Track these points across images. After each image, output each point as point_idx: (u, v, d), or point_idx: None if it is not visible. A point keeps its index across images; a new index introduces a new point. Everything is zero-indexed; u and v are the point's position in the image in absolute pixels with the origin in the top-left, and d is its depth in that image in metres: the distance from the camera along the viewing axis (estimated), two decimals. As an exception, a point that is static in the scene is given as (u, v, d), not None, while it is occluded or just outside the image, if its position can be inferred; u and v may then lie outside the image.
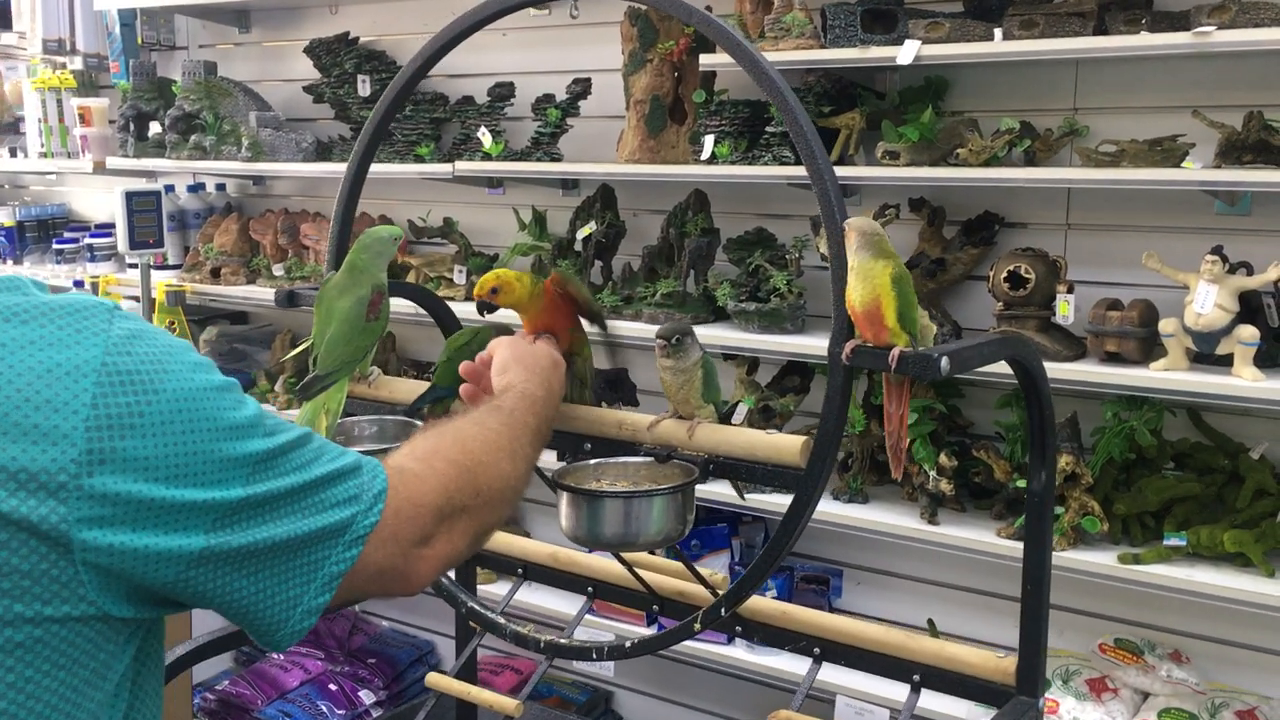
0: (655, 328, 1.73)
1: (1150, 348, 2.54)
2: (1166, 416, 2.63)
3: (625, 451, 1.56)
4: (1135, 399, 2.60)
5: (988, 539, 2.68)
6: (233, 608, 1.01)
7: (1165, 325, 2.48)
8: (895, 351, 1.34)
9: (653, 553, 2.25)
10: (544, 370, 1.50)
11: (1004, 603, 2.95)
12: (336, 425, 1.69)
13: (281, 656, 3.91)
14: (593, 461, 1.49)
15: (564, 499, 1.42)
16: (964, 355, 1.37)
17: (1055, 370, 2.54)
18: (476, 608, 1.77)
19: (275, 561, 1.02)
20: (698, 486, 2.82)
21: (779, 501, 2.83)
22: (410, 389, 1.79)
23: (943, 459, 2.74)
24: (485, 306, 1.69)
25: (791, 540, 1.43)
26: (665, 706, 3.58)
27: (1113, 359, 2.56)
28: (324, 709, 3.69)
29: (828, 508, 2.88)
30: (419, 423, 1.72)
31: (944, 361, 1.32)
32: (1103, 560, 2.57)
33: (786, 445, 1.42)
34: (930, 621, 2.98)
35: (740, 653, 3.01)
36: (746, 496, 2.82)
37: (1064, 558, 2.57)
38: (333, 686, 3.78)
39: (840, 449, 2.99)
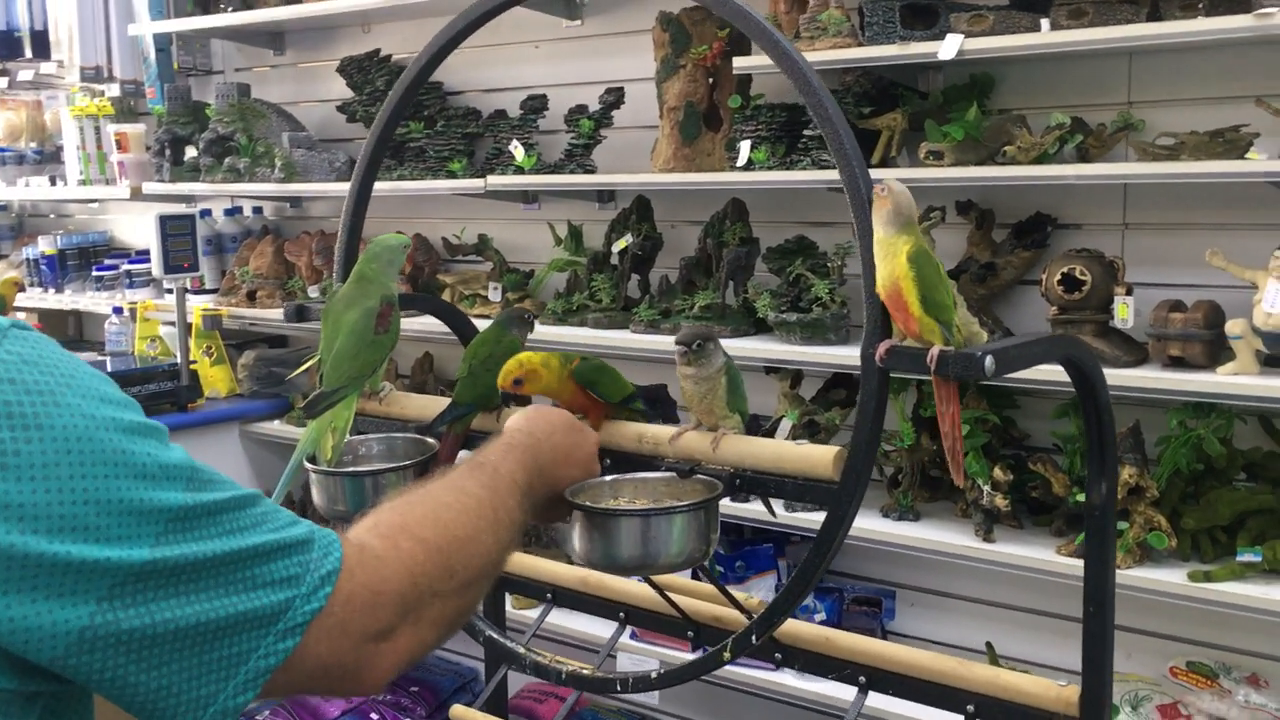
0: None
1: (1217, 351, 2.39)
2: (1236, 424, 2.47)
3: (646, 467, 1.45)
4: (1202, 406, 2.45)
5: (1047, 557, 2.54)
6: (128, 702, 0.84)
7: (1232, 327, 2.33)
8: (934, 351, 1.23)
9: (695, 576, 2.15)
10: (552, 423, 1.35)
11: (1067, 624, 2.80)
12: (343, 444, 1.60)
13: (322, 685, 3.84)
14: (609, 478, 1.38)
15: (576, 519, 1.31)
16: (1011, 355, 1.24)
17: (1115, 377, 2.40)
18: (495, 636, 1.67)
19: (185, 650, 0.84)
20: (741, 505, 2.76)
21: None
22: (423, 405, 1.70)
23: (997, 473, 2.61)
24: (511, 398, 1.53)
25: (825, 560, 1.31)
26: (713, 735, 3.45)
27: (1177, 364, 2.41)
28: (364, 739, 3.60)
29: (878, 526, 2.75)
30: (432, 440, 1.62)
31: (988, 361, 1.20)
32: (1172, 578, 2.41)
33: (818, 457, 1.31)
34: (989, 645, 2.83)
35: (789, 679, 2.87)
36: (794, 514, 2.72)
37: (1130, 576, 2.43)
38: (374, 715, 3.69)
39: (891, 464, 2.87)
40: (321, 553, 0.93)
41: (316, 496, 1.56)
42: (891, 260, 1.25)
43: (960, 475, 1.32)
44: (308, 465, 1.57)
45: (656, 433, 1.44)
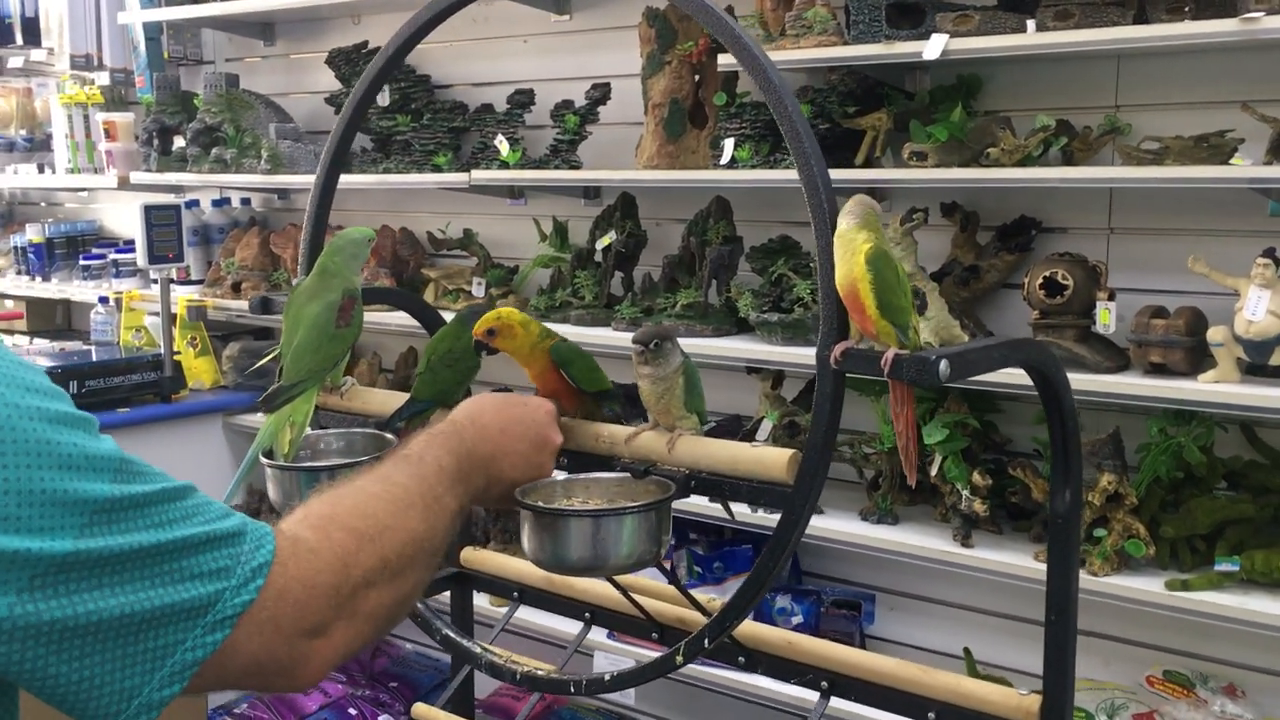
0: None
1: (1198, 358, 2.37)
2: (1217, 432, 2.45)
3: (604, 466, 1.43)
4: (1183, 413, 2.43)
5: (1025, 563, 2.51)
6: (49, 694, 0.82)
7: (1214, 334, 2.31)
8: (889, 354, 1.20)
9: (673, 579, 2.12)
10: (482, 405, 1.33)
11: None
12: (302, 439, 1.58)
13: (302, 680, 3.82)
14: (561, 477, 1.36)
15: (526, 519, 1.29)
16: (968, 359, 1.22)
17: (1096, 383, 2.39)
18: (451, 635, 1.65)
19: (108, 642, 0.83)
20: (720, 506, 2.74)
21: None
22: (385, 400, 1.68)
23: (976, 478, 2.58)
24: (482, 347, 1.54)
25: (779, 564, 1.29)
26: (692, 736, 3.43)
27: (1158, 370, 2.39)
28: (342, 734, 3.59)
29: (856, 529, 2.73)
30: (391, 436, 1.60)
31: (943, 365, 1.18)
32: (1149, 586, 2.39)
33: (772, 460, 1.29)
34: (967, 650, 2.81)
35: (764, 681, 2.85)
36: (774, 515, 2.69)
37: (1108, 584, 2.41)
38: (353, 711, 3.68)
39: (871, 467, 2.85)
40: (253, 545, 0.92)
41: (272, 491, 1.54)
42: (850, 259, 1.24)
43: (914, 475, 1.30)
44: (264, 460, 1.55)
45: (613, 432, 1.42)
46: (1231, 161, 2.33)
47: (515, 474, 1.32)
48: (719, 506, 2.76)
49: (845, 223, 1.26)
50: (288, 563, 0.93)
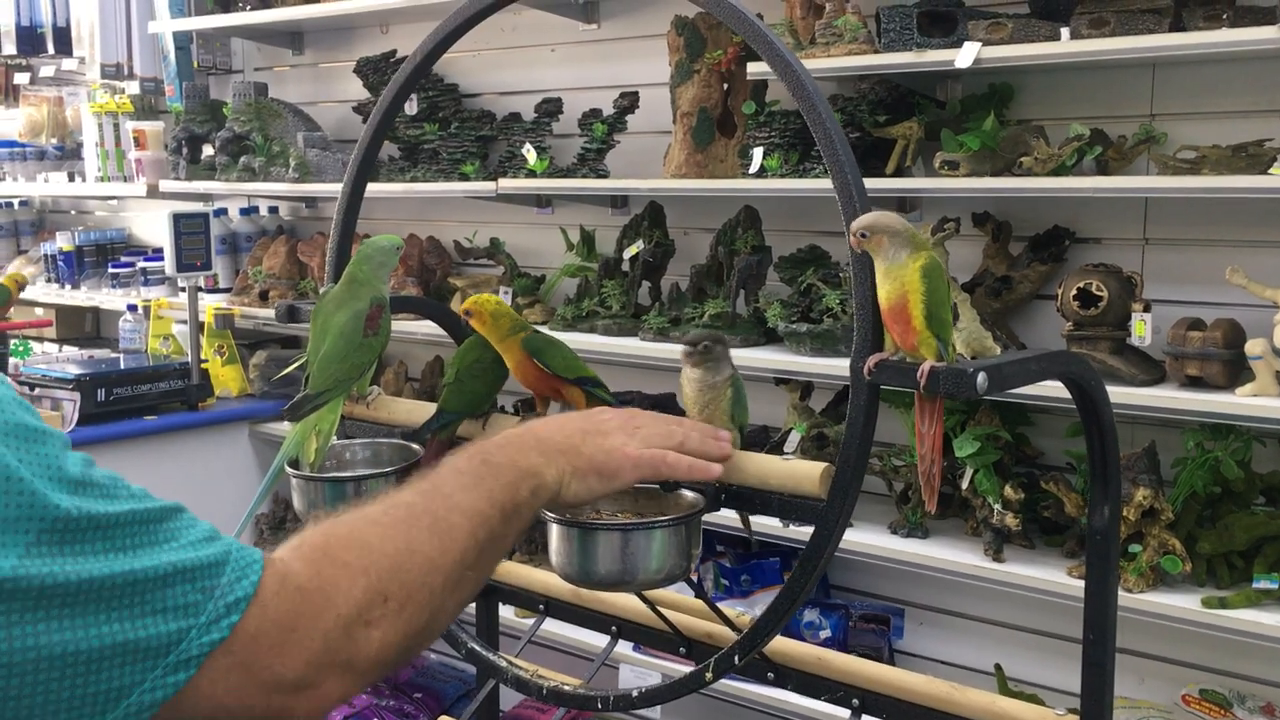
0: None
1: (1236, 371, 2.33)
2: (1255, 447, 2.41)
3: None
4: (1220, 427, 2.38)
5: (1058, 578, 2.48)
6: None
7: (1252, 346, 2.27)
8: (925, 366, 1.18)
9: (700, 592, 2.10)
10: (555, 418, 1.21)
11: (1078, 647, 2.72)
12: (328, 449, 1.56)
13: (326, 689, 3.81)
14: (589, 489, 1.34)
15: (553, 531, 1.27)
16: (1005, 372, 1.19)
17: (1132, 396, 2.35)
18: (477, 649, 1.63)
19: (52, 682, 0.73)
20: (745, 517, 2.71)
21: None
22: (411, 410, 1.66)
23: (1008, 491, 2.55)
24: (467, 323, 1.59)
25: (811, 580, 1.26)
26: (718, 750, 3.40)
27: (1194, 384, 2.35)
28: (366, 745, 3.57)
29: (886, 542, 2.70)
30: (417, 447, 1.59)
31: (981, 378, 1.15)
32: (1185, 604, 2.35)
33: (804, 473, 1.26)
34: (998, 667, 2.77)
35: (793, 696, 2.81)
36: (803, 529, 2.65)
37: (1143, 600, 2.36)
38: (376, 721, 3.66)
39: (901, 479, 2.82)
40: (234, 577, 0.82)
41: (297, 502, 1.53)
42: (900, 278, 1.19)
43: (933, 501, 1.27)
44: (289, 470, 1.53)
45: (642, 444, 1.39)
46: (1270, 171, 2.29)
47: (599, 455, 1.16)
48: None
49: (891, 261, 1.19)
50: (269, 602, 0.83)
